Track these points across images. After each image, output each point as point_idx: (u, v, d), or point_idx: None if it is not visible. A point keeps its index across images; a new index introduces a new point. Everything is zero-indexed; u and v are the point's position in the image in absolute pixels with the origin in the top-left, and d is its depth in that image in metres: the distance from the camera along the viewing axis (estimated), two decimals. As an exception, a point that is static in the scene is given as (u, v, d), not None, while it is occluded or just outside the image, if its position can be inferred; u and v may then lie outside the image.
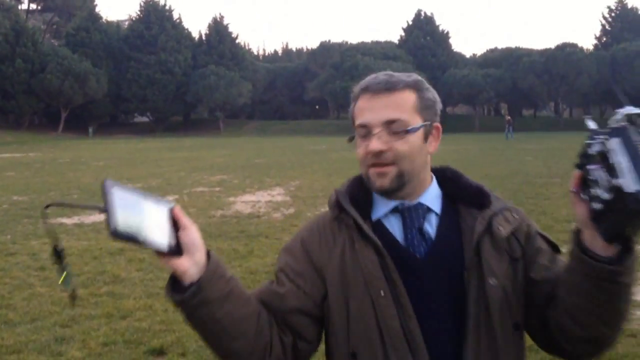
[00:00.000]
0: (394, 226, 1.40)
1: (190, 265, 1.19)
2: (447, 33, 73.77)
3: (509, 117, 49.58)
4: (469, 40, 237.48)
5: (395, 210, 1.40)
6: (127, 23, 70.98)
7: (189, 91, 63.85)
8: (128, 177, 18.09)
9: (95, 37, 62.31)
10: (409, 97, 1.36)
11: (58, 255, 1.15)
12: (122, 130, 64.14)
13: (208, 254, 1.24)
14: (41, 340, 4.71)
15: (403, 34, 74.86)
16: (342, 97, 66.68)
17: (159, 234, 1.15)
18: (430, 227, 1.39)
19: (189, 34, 69.79)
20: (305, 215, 10.82)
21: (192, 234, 1.21)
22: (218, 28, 69.39)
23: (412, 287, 1.34)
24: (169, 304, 5.77)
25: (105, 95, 60.21)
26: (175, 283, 1.22)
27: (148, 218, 1.14)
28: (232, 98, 63.72)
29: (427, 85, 1.41)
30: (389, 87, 1.36)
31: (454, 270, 1.35)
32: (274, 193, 14.19)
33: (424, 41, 71.53)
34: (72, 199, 13.42)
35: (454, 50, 75.27)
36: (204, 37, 69.97)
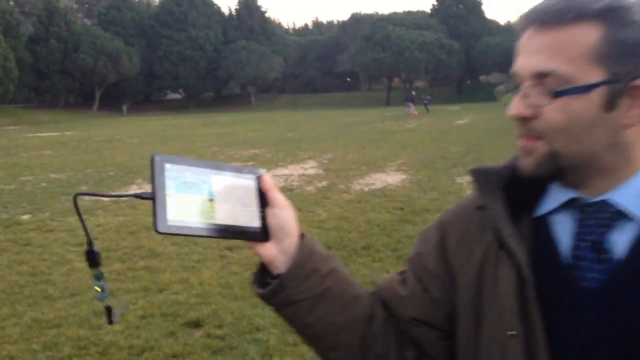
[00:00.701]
0: (564, 229, 0.91)
1: (277, 254, 0.97)
2: (480, 0, 72.23)
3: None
4: (503, 7, 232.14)
5: (569, 205, 0.91)
6: (157, 1, 71.20)
7: (220, 67, 64.05)
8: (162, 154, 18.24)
9: (126, 16, 62.82)
10: (584, 36, 0.84)
11: (93, 259, 0.97)
12: (155, 108, 64.76)
13: (302, 239, 1.00)
14: (80, 315, 4.78)
15: (435, 2, 73.70)
16: (374, 69, 66.09)
17: (237, 217, 0.96)
18: (619, 241, 0.86)
19: (219, 9, 69.74)
20: (338, 188, 10.80)
21: (283, 215, 0.98)
22: (248, 3, 69.14)
23: (562, 332, 0.88)
24: (205, 276, 5.85)
25: (138, 73, 60.87)
26: (263, 271, 1.00)
27: (221, 196, 0.95)
28: (263, 72, 63.70)
29: (632, 14, 0.84)
30: (559, 17, 0.85)
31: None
32: (307, 166, 14.14)
33: (456, 9, 70.33)
34: (108, 176, 13.60)
35: (488, 17, 73.76)
36: (233, 12, 69.96)
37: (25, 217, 9.12)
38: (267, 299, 0.99)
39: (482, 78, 74.91)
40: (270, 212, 0.98)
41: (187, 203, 0.91)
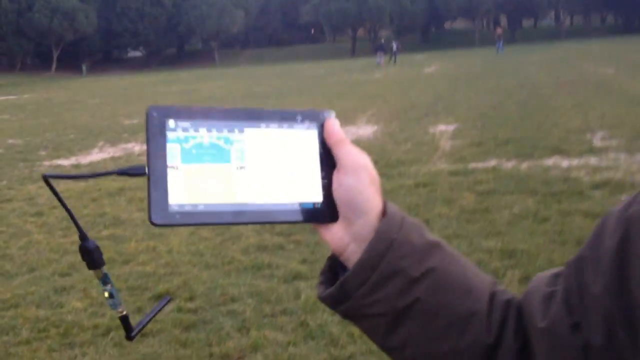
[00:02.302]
0: None
1: (347, 241, 0.67)
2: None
3: (500, 30, 48.28)
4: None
5: None
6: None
7: (180, 22, 62.32)
8: (124, 114, 17.64)
9: (80, -29, 60.36)
10: None
11: (91, 256, 0.75)
12: (116, 67, 62.96)
13: (384, 217, 0.67)
14: (40, 292, 4.44)
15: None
16: (338, 19, 64.97)
17: (285, 190, 0.67)
18: None
19: (176, -39, 67.39)
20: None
21: (351, 182, 0.67)
22: (205, -46, 66.94)
23: None
24: (173, 243, 5.55)
25: (95, 31, 58.96)
26: (336, 263, 0.71)
27: (259, 161, 0.66)
28: (225, 27, 62.30)
29: None
30: None
31: None
32: (275, 121, 13.72)
33: (419, -46, 69.02)
34: (68, 140, 13.05)
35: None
36: (191, -36, 67.63)
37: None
38: (328, 305, 0.69)
39: (447, 25, 74.29)
40: (335, 178, 0.68)
41: (201, 177, 0.63)
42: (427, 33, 70.37)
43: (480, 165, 7.72)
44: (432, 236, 0.69)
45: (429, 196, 6.42)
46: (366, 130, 11.61)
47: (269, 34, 77.65)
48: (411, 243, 0.67)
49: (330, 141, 0.69)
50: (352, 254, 0.67)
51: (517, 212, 5.64)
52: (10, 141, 13.46)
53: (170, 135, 0.63)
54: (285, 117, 0.69)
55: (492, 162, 7.80)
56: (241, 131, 0.66)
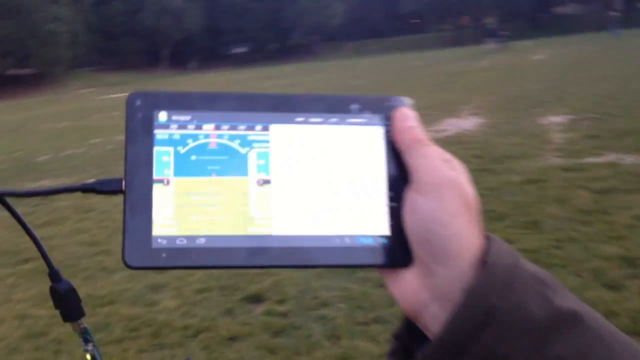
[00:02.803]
0: None
1: (423, 299, 0.45)
2: None
3: (615, 14, 45.30)
4: None
5: None
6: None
7: (282, 17, 63.33)
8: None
9: (187, -28, 62.68)
10: None
11: (65, 302, 0.62)
12: (222, 63, 64.90)
13: (483, 269, 0.42)
14: (135, 289, 4.45)
15: None
16: (440, 8, 63.59)
17: (329, 218, 0.47)
18: None
19: (278, -43, 68.48)
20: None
21: (431, 209, 0.44)
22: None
23: None
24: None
25: (202, 30, 61.08)
26: (409, 326, 0.50)
27: (291, 174, 0.47)
28: (325, 19, 62.78)
29: None
30: None
31: None
32: (375, 114, 13.46)
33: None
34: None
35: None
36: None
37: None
38: None
39: (556, 10, 70.81)
40: (409, 200, 0.46)
41: (203, 196, 0.46)
42: (534, 19, 67.40)
43: (596, 160, 7.09)
44: (568, 298, 0.42)
45: (538, 194, 5.93)
46: (470, 122, 11.09)
47: (370, 25, 77.27)
48: (526, 314, 0.40)
49: (402, 142, 0.48)
50: (432, 321, 0.44)
51: (639, 213, 5.08)
52: (120, 137, 14.04)
53: (159, 134, 0.46)
54: (334, 106, 0.48)
55: (610, 157, 7.14)
56: (265, 128, 0.47)
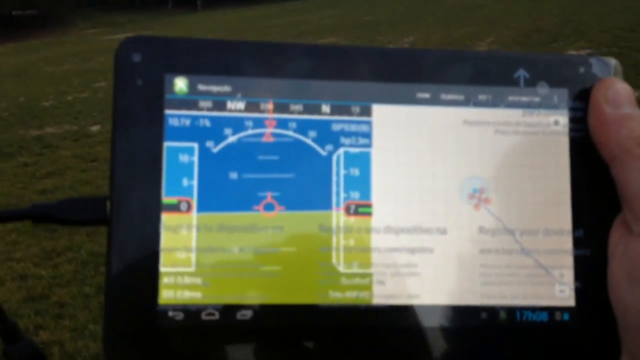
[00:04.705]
0: None
1: None
2: None
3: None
4: None
5: None
6: None
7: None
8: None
9: None
10: None
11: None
12: (231, 0, 63.65)
13: None
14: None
15: None
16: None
17: (469, 278, 0.28)
18: None
19: None
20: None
21: None
22: None
23: None
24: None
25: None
26: None
27: (397, 196, 0.28)
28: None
29: None
30: None
31: None
32: (387, 52, 13.10)
33: None
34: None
35: None
36: None
37: (95, 128, 8.76)
38: None
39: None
40: (626, 253, 0.27)
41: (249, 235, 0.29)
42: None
43: (619, 98, 6.78)
44: None
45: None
46: (485, 59, 10.70)
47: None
48: None
49: (610, 145, 0.29)
50: None
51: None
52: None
53: (174, 116, 0.29)
54: (487, 71, 0.30)
55: (634, 94, 6.81)
56: (365, 111, 0.29)
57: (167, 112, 0.29)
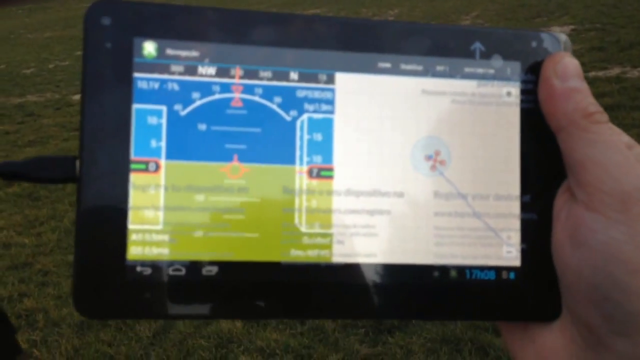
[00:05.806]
0: None
1: None
2: None
3: None
4: None
5: None
6: None
7: None
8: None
9: None
10: None
11: None
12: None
13: None
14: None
15: None
16: None
17: (422, 237, 0.30)
18: None
19: None
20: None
21: (619, 239, 0.27)
22: None
23: None
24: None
25: None
26: None
27: (356, 160, 0.30)
28: None
29: None
30: None
31: None
32: (371, 24, 13.04)
33: None
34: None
35: None
36: None
37: (77, 96, 8.69)
38: None
39: None
40: (568, 218, 0.30)
41: (215, 195, 0.30)
42: None
43: (601, 74, 6.84)
44: None
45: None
46: (469, 33, 10.72)
47: None
48: None
49: (558, 116, 0.31)
50: None
51: (645, 132, 4.89)
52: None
53: (143, 79, 0.30)
54: (444, 43, 0.31)
55: (616, 70, 6.88)
56: (329, 79, 0.31)
57: (136, 75, 0.30)
